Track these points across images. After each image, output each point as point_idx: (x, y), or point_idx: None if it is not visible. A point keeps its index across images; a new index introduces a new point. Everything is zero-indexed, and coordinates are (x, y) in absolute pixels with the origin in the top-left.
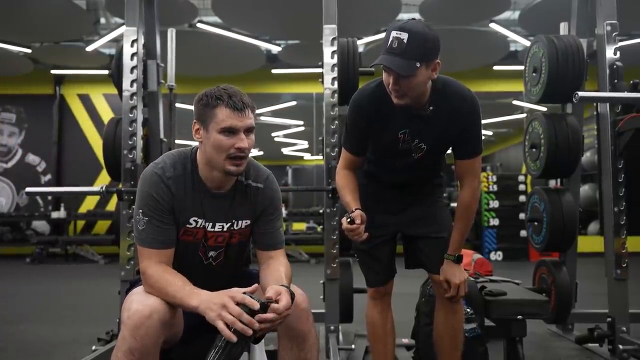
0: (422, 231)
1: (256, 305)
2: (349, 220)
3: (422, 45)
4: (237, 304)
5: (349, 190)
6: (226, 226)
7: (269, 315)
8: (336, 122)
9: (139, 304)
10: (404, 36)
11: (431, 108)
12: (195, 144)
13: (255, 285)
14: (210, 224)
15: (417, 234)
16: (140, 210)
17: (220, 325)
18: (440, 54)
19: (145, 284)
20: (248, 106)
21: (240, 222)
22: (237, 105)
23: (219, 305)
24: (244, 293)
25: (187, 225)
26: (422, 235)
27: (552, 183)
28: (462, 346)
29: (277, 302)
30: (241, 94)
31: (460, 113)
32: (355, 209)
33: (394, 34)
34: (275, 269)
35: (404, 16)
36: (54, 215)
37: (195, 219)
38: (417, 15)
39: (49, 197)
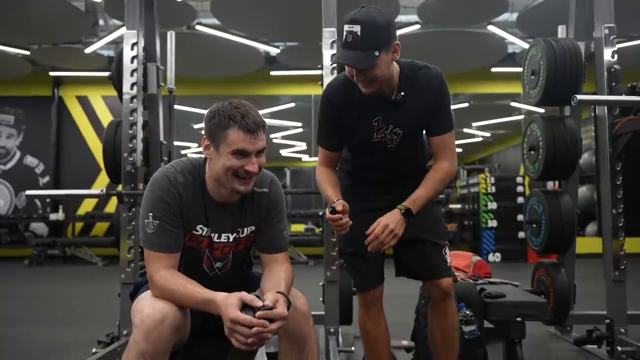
0: (414, 234)
1: (267, 325)
2: (330, 210)
3: (376, 33)
4: (245, 305)
5: (329, 185)
6: (232, 236)
7: (273, 326)
8: None
9: (151, 308)
10: (357, 28)
11: (402, 94)
12: (193, 145)
13: (258, 301)
14: (216, 234)
15: (409, 238)
16: (150, 214)
17: (234, 341)
18: (437, 59)
19: (153, 288)
20: (260, 126)
21: (246, 229)
22: (249, 127)
23: (229, 320)
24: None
25: (194, 232)
26: (414, 238)
27: (550, 185)
28: (458, 348)
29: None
30: (253, 114)
31: (430, 92)
32: (337, 200)
33: (346, 27)
34: (276, 275)
35: (402, 18)
36: (53, 217)
37: (201, 226)
38: (415, 17)
39: (47, 199)
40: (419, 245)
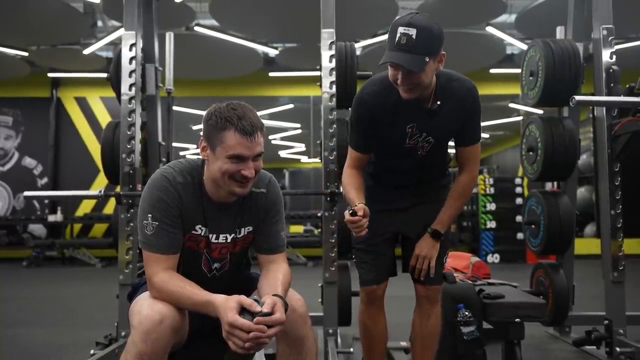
0: (423, 232)
1: (265, 330)
2: (351, 212)
3: (430, 40)
4: (243, 309)
5: (353, 187)
6: (230, 237)
7: (270, 331)
8: (334, 125)
9: (150, 309)
10: (412, 32)
11: (438, 103)
12: (191, 146)
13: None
14: (214, 235)
15: (417, 235)
16: (150, 215)
17: (231, 344)
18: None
19: (152, 290)
20: (257, 129)
21: (243, 229)
22: (246, 129)
23: (227, 324)
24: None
25: (193, 232)
26: (420, 235)
27: (548, 185)
28: (436, 348)
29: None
30: (251, 116)
31: (464, 104)
32: (359, 204)
33: (401, 29)
34: (273, 276)
35: None
36: (51, 218)
37: (200, 226)
38: None
39: (46, 201)
40: None
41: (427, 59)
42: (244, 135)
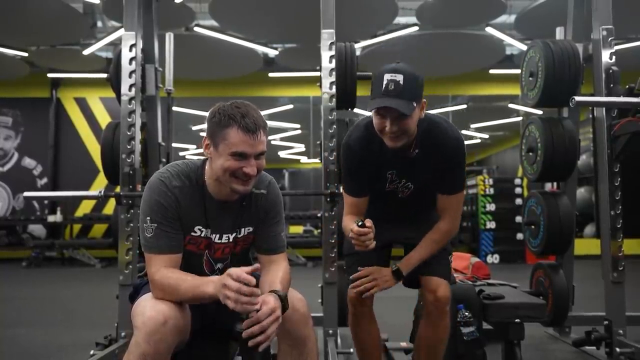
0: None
1: (252, 281)
2: (360, 224)
3: (415, 86)
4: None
5: (352, 220)
6: (232, 237)
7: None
8: (334, 126)
9: (153, 310)
10: (399, 77)
11: (417, 151)
12: (191, 147)
13: (256, 265)
14: (217, 235)
15: (416, 241)
16: (148, 218)
17: (230, 304)
18: (435, 60)
19: (155, 290)
20: (260, 127)
21: (243, 229)
22: (249, 126)
23: (220, 285)
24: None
25: (192, 234)
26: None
27: (548, 186)
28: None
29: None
30: (254, 115)
31: (444, 153)
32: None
33: (388, 76)
34: (273, 275)
35: (400, 20)
36: (50, 218)
37: (200, 227)
38: (413, 19)
39: (45, 201)
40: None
41: (415, 104)
42: (246, 133)
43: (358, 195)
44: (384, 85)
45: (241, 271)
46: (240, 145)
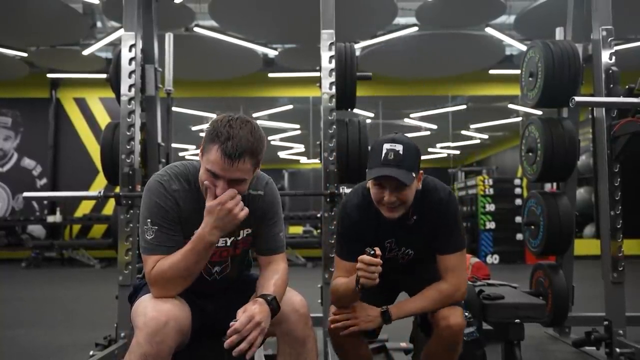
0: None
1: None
2: (372, 253)
3: (414, 156)
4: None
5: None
6: (229, 240)
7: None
8: (334, 126)
9: (155, 310)
10: (399, 147)
11: (415, 217)
12: (190, 147)
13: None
14: None
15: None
16: (149, 220)
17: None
18: (435, 61)
19: (154, 286)
20: (242, 155)
21: (242, 232)
22: (227, 151)
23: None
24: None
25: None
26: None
27: (547, 186)
28: None
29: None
30: (243, 139)
31: (439, 213)
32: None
33: (387, 146)
34: (268, 277)
35: (400, 21)
36: (50, 219)
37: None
38: (413, 20)
39: (45, 201)
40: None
41: (414, 174)
42: (224, 156)
43: (352, 260)
44: (383, 155)
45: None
46: (214, 165)
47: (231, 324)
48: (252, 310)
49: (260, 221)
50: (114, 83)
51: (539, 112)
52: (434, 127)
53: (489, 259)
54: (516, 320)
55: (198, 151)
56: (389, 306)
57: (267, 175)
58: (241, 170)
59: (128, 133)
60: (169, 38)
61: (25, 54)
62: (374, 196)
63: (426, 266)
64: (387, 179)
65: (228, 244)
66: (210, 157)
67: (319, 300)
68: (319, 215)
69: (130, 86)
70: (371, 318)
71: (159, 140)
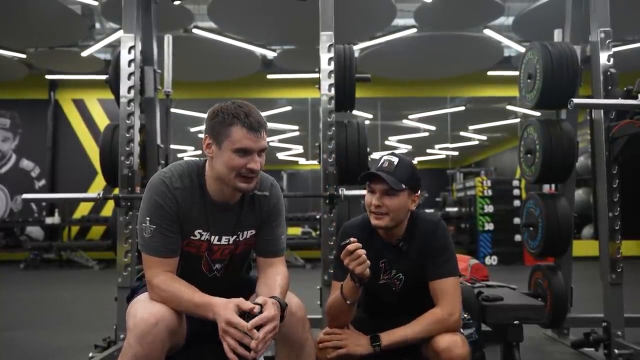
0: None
1: (255, 335)
2: (347, 242)
3: (408, 171)
4: (243, 312)
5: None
6: (232, 239)
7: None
8: (333, 128)
9: (145, 311)
10: (395, 159)
11: (405, 241)
12: (189, 149)
13: (257, 306)
14: (216, 237)
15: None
16: (148, 219)
17: (226, 346)
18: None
19: (151, 292)
20: (262, 126)
21: (245, 232)
22: (253, 125)
23: (224, 321)
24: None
25: (192, 237)
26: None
27: (546, 188)
28: None
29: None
30: (257, 114)
31: (427, 240)
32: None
33: (385, 157)
34: (271, 279)
35: (399, 22)
36: (48, 220)
37: (200, 231)
38: (411, 21)
39: (43, 203)
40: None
41: (404, 186)
42: (250, 131)
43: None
44: (379, 164)
45: (245, 322)
46: (244, 141)
47: (254, 307)
48: (272, 311)
49: (264, 222)
50: (114, 85)
51: (538, 114)
52: (433, 128)
53: (488, 260)
54: (515, 322)
55: (202, 149)
56: (381, 334)
57: (271, 177)
58: (265, 140)
59: (127, 135)
60: (168, 40)
61: (23, 55)
62: (366, 201)
63: (421, 301)
64: (376, 181)
65: (230, 242)
66: (235, 137)
67: (318, 302)
68: (317, 216)
69: (130, 88)
70: (361, 342)
71: (158, 141)
